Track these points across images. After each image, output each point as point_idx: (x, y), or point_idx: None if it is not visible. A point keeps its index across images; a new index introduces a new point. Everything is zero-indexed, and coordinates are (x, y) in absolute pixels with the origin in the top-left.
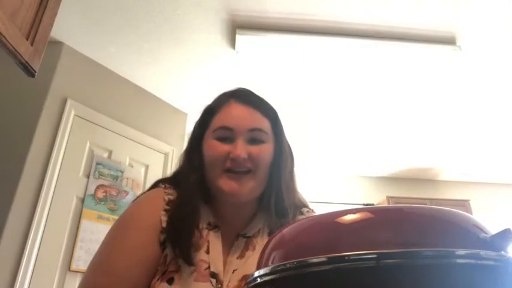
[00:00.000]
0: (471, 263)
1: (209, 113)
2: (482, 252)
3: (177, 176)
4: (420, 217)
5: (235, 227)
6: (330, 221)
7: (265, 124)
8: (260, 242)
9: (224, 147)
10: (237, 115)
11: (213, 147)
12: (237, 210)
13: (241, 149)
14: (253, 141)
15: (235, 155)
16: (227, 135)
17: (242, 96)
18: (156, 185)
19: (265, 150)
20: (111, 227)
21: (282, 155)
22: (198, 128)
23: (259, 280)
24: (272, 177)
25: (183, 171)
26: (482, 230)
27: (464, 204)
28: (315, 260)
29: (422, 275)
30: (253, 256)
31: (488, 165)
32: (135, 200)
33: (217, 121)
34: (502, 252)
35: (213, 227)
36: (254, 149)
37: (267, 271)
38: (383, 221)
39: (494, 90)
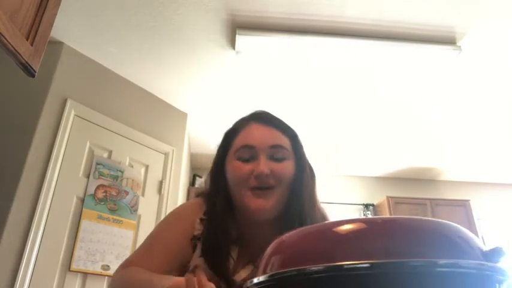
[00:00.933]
0: (453, 271)
1: (230, 135)
2: (463, 262)
3: (206, 197)
4: (411, 229)
5: (253, 249)
6: (327, 231)
7: (285, 141)
8: None
9: (247, 167)
10: (258, 134)
11: (237, 168)
12: (258, 231)
13: (263, 165)
14: (275, 158)
15: (258, 171)
16: (249, 155)
17: (261, 118)
18: (198, 195)
19: (287, 167)
20: (160, 221)
21: (304, 173)
22: (220, 151)
23: (258, 286)
24: (293, 195)
25: (210, 194)
26: (472, 241)
27: (464, 204)
28: (313, 269)
29: (411, 283)
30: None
31: (488, 165)
32: (182, 204)
33: (239, 141)
34: (482, 262)
35: (233, 243)
36: (276, 165)
37: (266, 278)
38: (376, 232)
39: (494, 90)
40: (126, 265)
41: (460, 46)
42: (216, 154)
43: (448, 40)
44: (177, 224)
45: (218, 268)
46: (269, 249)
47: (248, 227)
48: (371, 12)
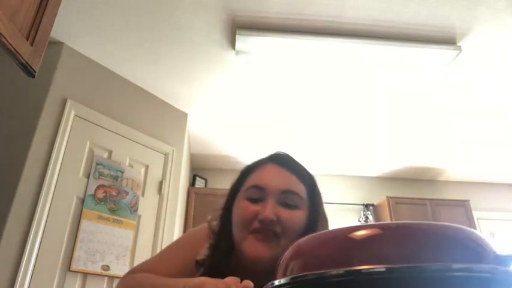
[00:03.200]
0: (467, 275)
1: (245, 173)
2: (476, 267)
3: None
4: (426, 233)
5: None
6: (344, 236)
7: (300, 188)
8: None
9: (253, 208)
10: (271, 175)
11: (242, 207)
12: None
13: (270, 209)
14: (286, 204)
15: (263, 215)
16: (258, 196)
17: (280, 159)
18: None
19: (298, 217)
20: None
21: (317, 226)
22: (231, 189)
23: None
24: None
25: (216, 233)
26: (486, 246)
27: (464, 204)
28: (333, 273)
29: (426, 287)
30: None
31: (488, 165)
32: (195, 228)
33: (251, 180)
34: (495, 266)
35: None
36: (285, 212)
37: (288, 280)
38: (392, 237)
39: (494, 91)
40: (133, 272)
41: (460, 46)
42: (228, 192)
43: (448, 40)
44: (186, 245)
45: None
46: (288, 253)
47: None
48: (371, 12)
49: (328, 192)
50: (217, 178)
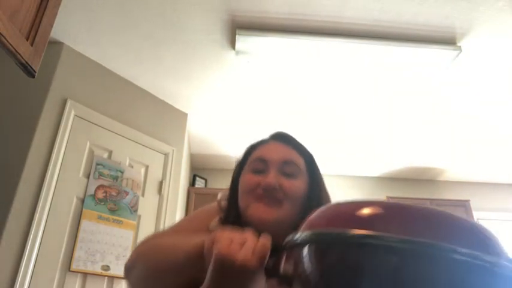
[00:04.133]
0: (471, 262)
1: (249, 150)
2: (481, 254)
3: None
4: (449, 218)
5: None
6: (373, 203)
7: (299, 161)
8: None
9: (257, 178)
10: (273, 149)
11: (247, 179)
12: None
13: (272, 177)
14: (286, 174)
15: (266, 182)
16: (261, 168)
17: (281, 137)
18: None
19: (297, 185)
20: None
21: (321, 193)
22: (237, 167)
23: (298, 240)
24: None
25: (225, 209)
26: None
27: (464, 204)
28: (355, 233)
29: (439, 267)
30: None
31: (488, 165)
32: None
33: (254, 155)
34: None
35: None
36: (286, 181)
37: (309, 234)
38: (416, 213)
39: (494, 91)
40: (146, 241)
41: (460, 46)
42: (234, 170)
43: (448, 40)
44: (199, 218)
45: None
46: (313, 213)
47: None
48: (371, 12)
49: (328, 192)
50: (217, 178)
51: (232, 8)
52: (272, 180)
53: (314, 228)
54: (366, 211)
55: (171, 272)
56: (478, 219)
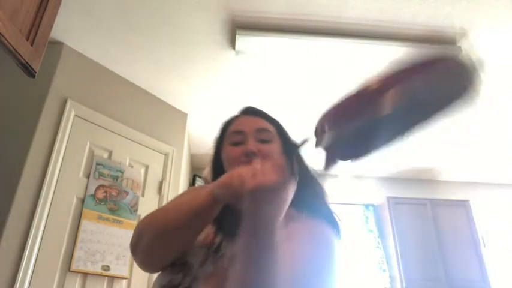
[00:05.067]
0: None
1: (224, 127)
2: None
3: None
4: None
5: None
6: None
7: (270, 127)
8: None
9: (238, 149)
10: (246, 121)
11: (229, 151)
12: None
13: (252, 144)
14: (262, 141)
15: (247, 149)
16: (240, 139)
17: (250, 111)
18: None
19: (274, 149)
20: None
21: (295, 151)
22: (216, 143)
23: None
24: None
25: (211, 173)
26: None
27: (464, 204)
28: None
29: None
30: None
31: (488, 165)
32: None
33: (230, 130)
34: None
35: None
36: (263, 146)
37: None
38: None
39: (494, 91)
40: (146, 216)
41: (460, 46)
42: (213, 146)
43: (448, 40)
44: (189, 191)
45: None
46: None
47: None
48: (371, 12)
49: (328, 192)
50: None
51: (232, 8)
52: (252, 147)
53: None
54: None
55: (181, 229)
56: (478, 219)
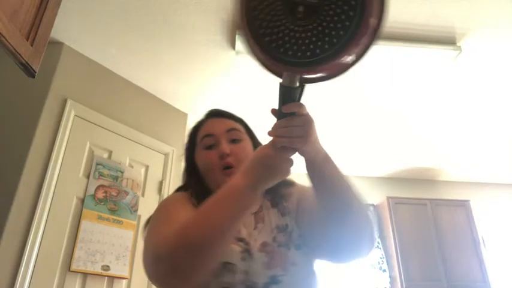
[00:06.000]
0: None
1: (193, 132)
2: None
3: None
4: None
5: None
6: None
7: (238, 126)
8: (266, 214)
9: (212, 153)
10: (215, 124)
11: (204, 156)
12: None
13: (224, 146)
14: (233, 141)
15: (221, 151)
16: (212, 142)
17: (215, 113)
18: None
19: (245, 146)
20: (155, 212)
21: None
22: (188, 149)
23: None
24: None
25: (187, 185)
26: None
27: (464, 204)
28: None
29: None
30: (264, 227)
31: (488, 165)
32: (169, 196)
33: (201, 134)
34: None
35: None
36: (235, 147)
37: None
38: None
39: (495, 91)
40: (156, 242)
41: (460, 46)
42: (185, 153)
43: (448, 40)
44: (173, 204)
45: None
46: None
47: None
48: None
49: None
50: None
51: (232, 8)
52: (225, 148)
53: None
54: None
55: (230, 227)
56: (478, 219)
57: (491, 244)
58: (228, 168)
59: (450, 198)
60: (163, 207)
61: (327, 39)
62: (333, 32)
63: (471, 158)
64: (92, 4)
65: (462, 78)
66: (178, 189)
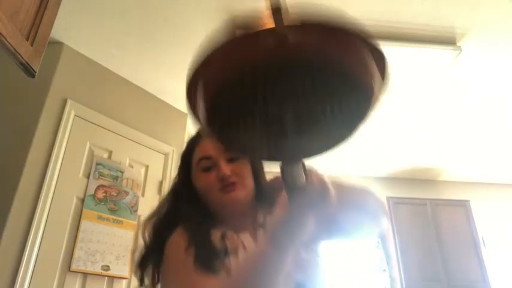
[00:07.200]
0: None
1: (187, 154)
2: None
3: (172, 212)
4: None
5: (247, 222)
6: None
7: None
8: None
9: (211, 175)
10: (210, 144)
11: (203, 179)
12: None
13: (225, 168)
14: (231, 159)
15: (221, 175)
16: (209, 164)
17: None
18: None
19: (244, 163)
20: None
21: (257, 163)
22: (182, 172)
23: None
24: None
25: (181, 206)
26: None
27: (464, 204)
28: None
29: None
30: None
31: (488, 165)
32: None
33: (196, 156)
34: None
35: (233, 230)
36: (234, 166)
37: None
38: None
39: (494, 91)
40: None
41: (460, 46)
42: (179, 176)
43: (448, 40)
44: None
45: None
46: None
47: (229, 216)
48: (371, 12)
49: None
50: None
51: (232, 8)
52: (226, 171)
53: None
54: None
55: None
56: (478, 219)
57: (491, 244)
58: (225, 188)
59: (450, 198)
60: (178, 279)
61: None
62: None
63: (471, 158)
64: (92, 4)
65: (462, 78)
66: (169, 212)
